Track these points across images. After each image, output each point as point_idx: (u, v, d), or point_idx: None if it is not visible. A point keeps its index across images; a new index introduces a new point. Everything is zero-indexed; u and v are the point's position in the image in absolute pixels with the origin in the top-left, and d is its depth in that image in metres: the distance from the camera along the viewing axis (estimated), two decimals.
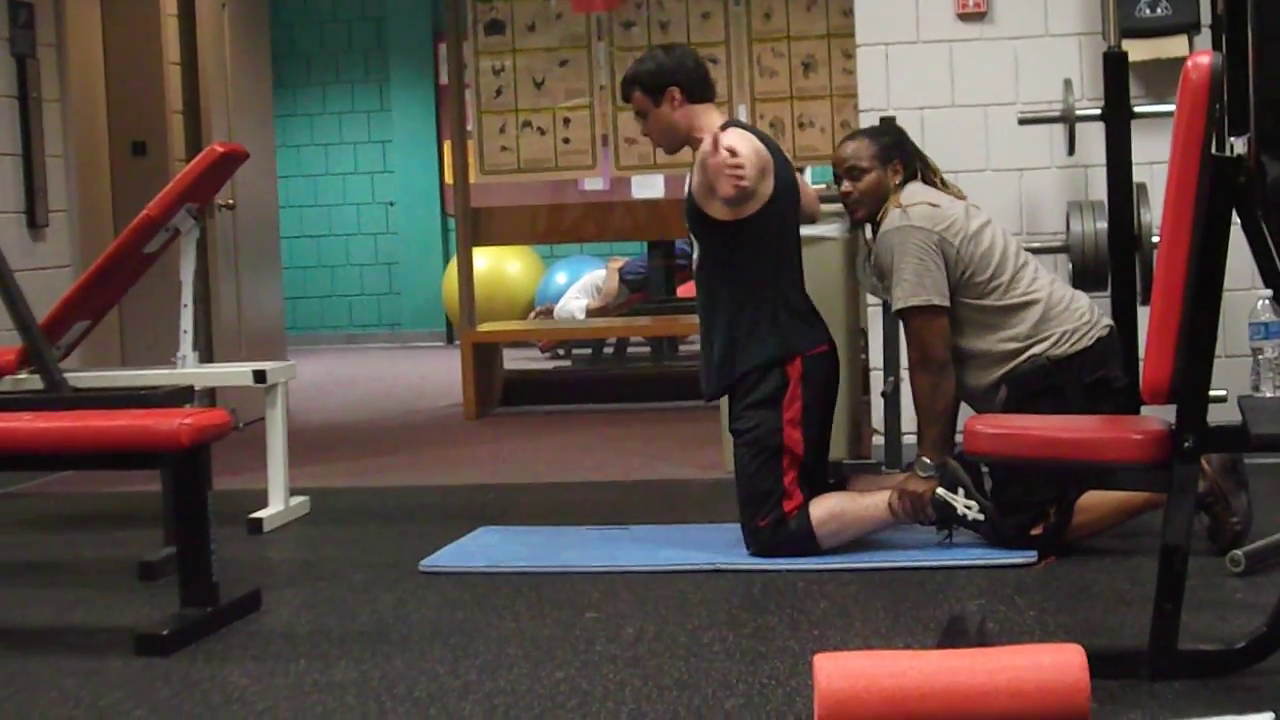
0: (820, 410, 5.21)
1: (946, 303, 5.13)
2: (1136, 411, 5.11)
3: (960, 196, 5.36)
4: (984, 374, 5.15)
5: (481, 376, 9.29)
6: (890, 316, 6.09)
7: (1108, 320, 5.24)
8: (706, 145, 4.92)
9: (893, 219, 5.20)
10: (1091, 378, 5.07)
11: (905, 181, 5.29)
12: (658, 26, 8.89)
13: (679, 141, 5.26)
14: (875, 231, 5.30)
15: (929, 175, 5.36)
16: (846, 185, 5.34)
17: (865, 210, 5.33)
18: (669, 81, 5.18)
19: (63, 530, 6.42)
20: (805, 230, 5.94)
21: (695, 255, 5.30)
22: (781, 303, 5.18)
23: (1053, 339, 5.09)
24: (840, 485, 5.33)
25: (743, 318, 5.18)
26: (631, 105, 5.28)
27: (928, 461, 5.09)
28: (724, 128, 5.17)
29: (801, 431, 5.13)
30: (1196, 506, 4.84)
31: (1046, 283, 5.20)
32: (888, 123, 5.71)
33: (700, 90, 5.22)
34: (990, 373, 5.14)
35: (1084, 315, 5.14)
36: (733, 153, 4.83)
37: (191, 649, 4.36)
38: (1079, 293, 5.33)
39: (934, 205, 5.20)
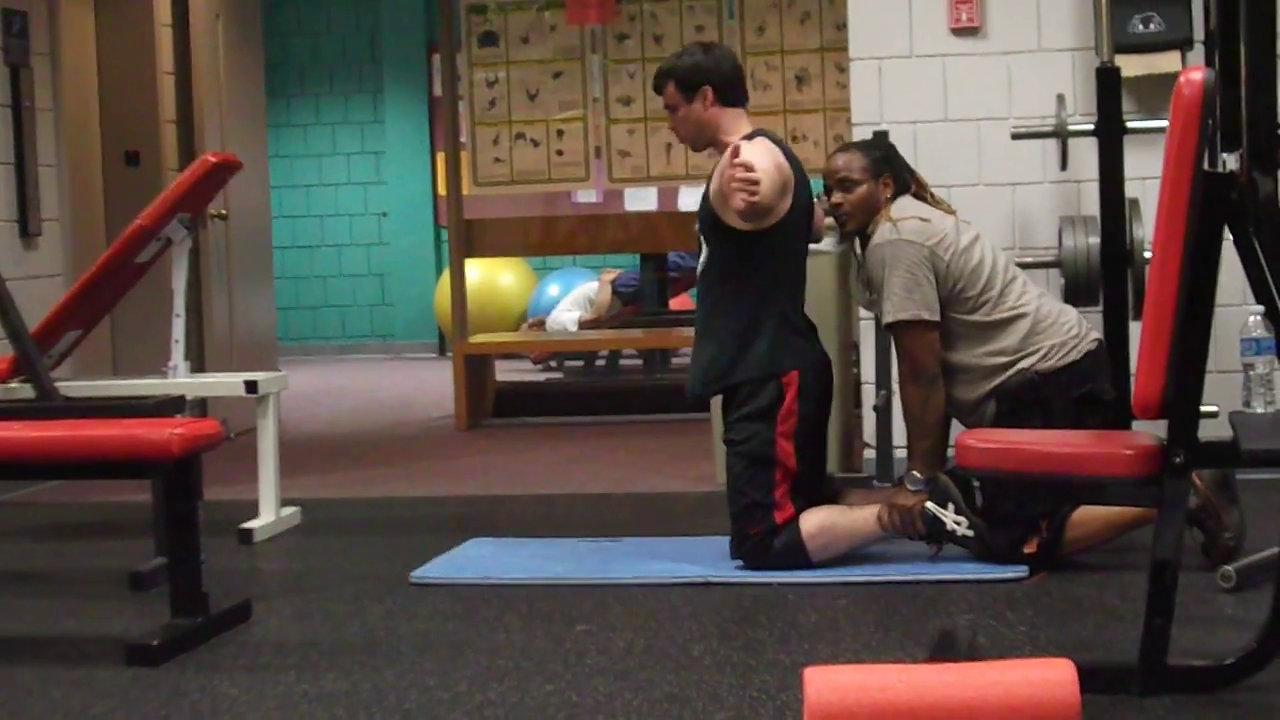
0: (815, 425, 5.20)
1: (936, 317, 5.13)
2: (1125, 425, 5.12)
3: (950, 212, 5.37)
4: (972, 388, 5.15)
5: (473, 388, 9.29)
6: (882, 331, 6.10)
7: (1096, 334, 5.24)
8: (727, 155, 4.90)
9: (883, 233, 5.20)
10: (1079, 391, 5.08)
11: (895, 196, 5.30)
12: (651, 39, 8.91)
13: (705, 141, 5.26)
14: (865, 245, 5.31)
15: (920, 190, 5.37)
16: (838, 197, 5.35)
17: (855, 223, 5.34)
18: (704, 80, 5.17)
19: (53, 540, 6.41)
20: None
21: (701, 258, 5.29)
22: (782, 317, 5.18)
23: (1041, 353, 5.09)
24: (833, 498, 5.33)
25: (742, 328, 5.17)
26: (662, 98, 5.27)
27: (918, 475, 5.09)
28: (751, 136, 5.17)
29: (795, 444, 5.12)
30: (1189, 522, 4.86)
31: (1035, 297, 5.21)
32: (879, 136, 5.72)
33: (733, 94, 5.21)
34: (978, 386, 5.14)
35: (1072, 329, 5.15)
36: (748, 168, 4.80)
37: (181, 659, 4.36)
38: (1067, 307, 5.34)
39: (924, 220, 5.21)
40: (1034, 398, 5.06)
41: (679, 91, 5.20)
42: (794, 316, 5.22)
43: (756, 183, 4.76)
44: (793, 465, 5.11)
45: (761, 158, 5.00)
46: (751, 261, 5.16)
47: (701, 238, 5.28)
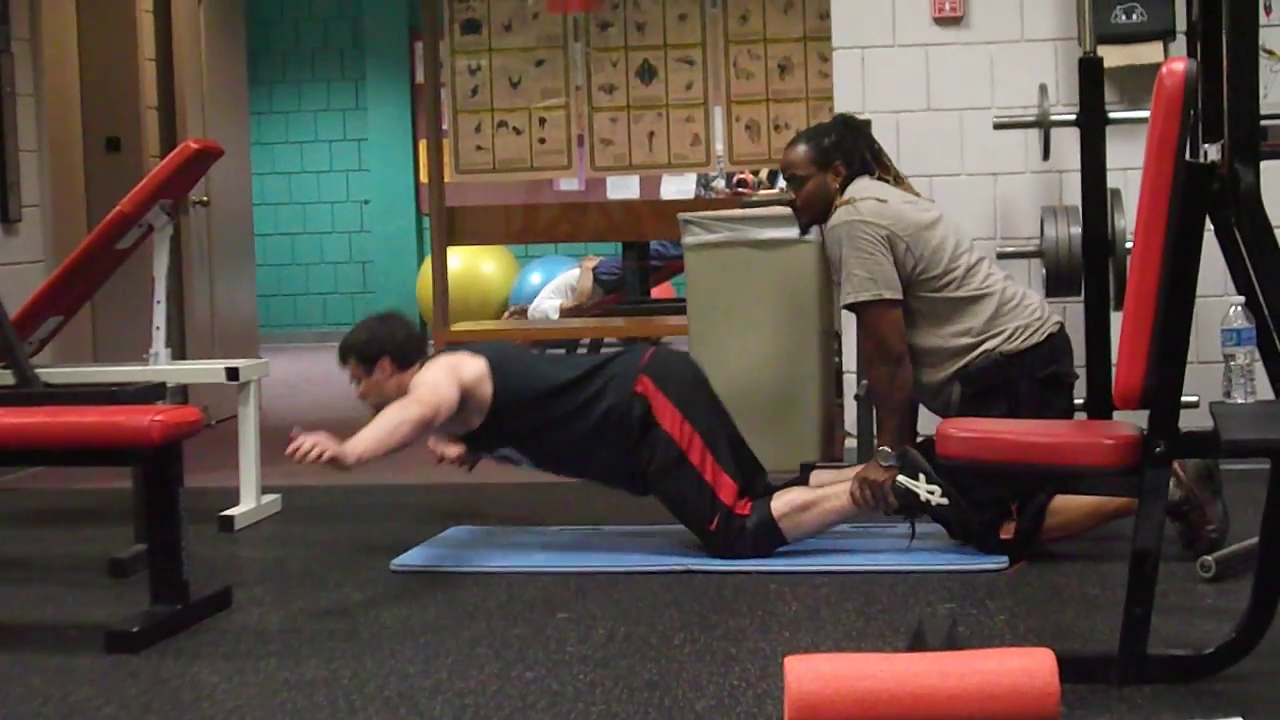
0: (693, 395, 5.23)
1: (898, 295, 5.14)
2: (1107, 415, 5.14)
3: (913, 192, 5.39)
4: (936, 370, 5.17)
5: None
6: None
7: (1058, 317, 5.27)
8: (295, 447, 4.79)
9: (841, 214, 5.22)
10: (1043, 373, 5.10)
11: (850, 179, 5.30)
12: (634, 27, 8.89)
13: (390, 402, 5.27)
14: None
15: (883, 173, 5.37)
16: (790, 192, 5.40)
17: (807, 216, 5.41)
18: (380, 352, 5.25)
19: (32, 526, 6.40)
20: (772, 234, 5.99)
21: (518, 462, 5.40)
22: (574, 389, 5.22)
23: (1005, 334, 5.11)
24: (803, 480, 5.34)
25: (577, 435, 5.23)
26: (348, 371, 5.35)
27: (888, 451, 5.09)
28: (422, 367, 5.24)
29: (691, 426, 5.15)
30: (1172, 515, 4.88)
31: (1000, 279, 5.23)
32: (836, 118, 5.65)
33: (409, 357, 5.26)
34: (943, 369, 5.15)
35: (1035, 312, 5.18)
36: (293, 452, 4.71)
37: (161, 646, 4.35)
38: (1030, 290, 5.36)
39: (881, 200, 5.22)
40: (998, 380, 5.08)
41: (360, 365, 5.27)
42: (581, 373, 5.27)
43: (309, 452, 4.70)
44: (702, 443, 5.14)
45: (427, 373, 5.16)
46: (521, 421, 5.24)
47: (495, 457, 5.42)
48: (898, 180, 5.39)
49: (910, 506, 5.05)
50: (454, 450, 5.57)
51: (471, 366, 5.20)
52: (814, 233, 6.34)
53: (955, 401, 5.11)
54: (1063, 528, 5.07)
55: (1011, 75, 6.58)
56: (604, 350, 5.04)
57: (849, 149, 5.35)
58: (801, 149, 5.37)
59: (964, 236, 5.30)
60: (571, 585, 4.91)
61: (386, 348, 5.26)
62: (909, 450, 5.07)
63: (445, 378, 5.13)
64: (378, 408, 5.22)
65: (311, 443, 4.68)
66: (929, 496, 5.02)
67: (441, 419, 5.08)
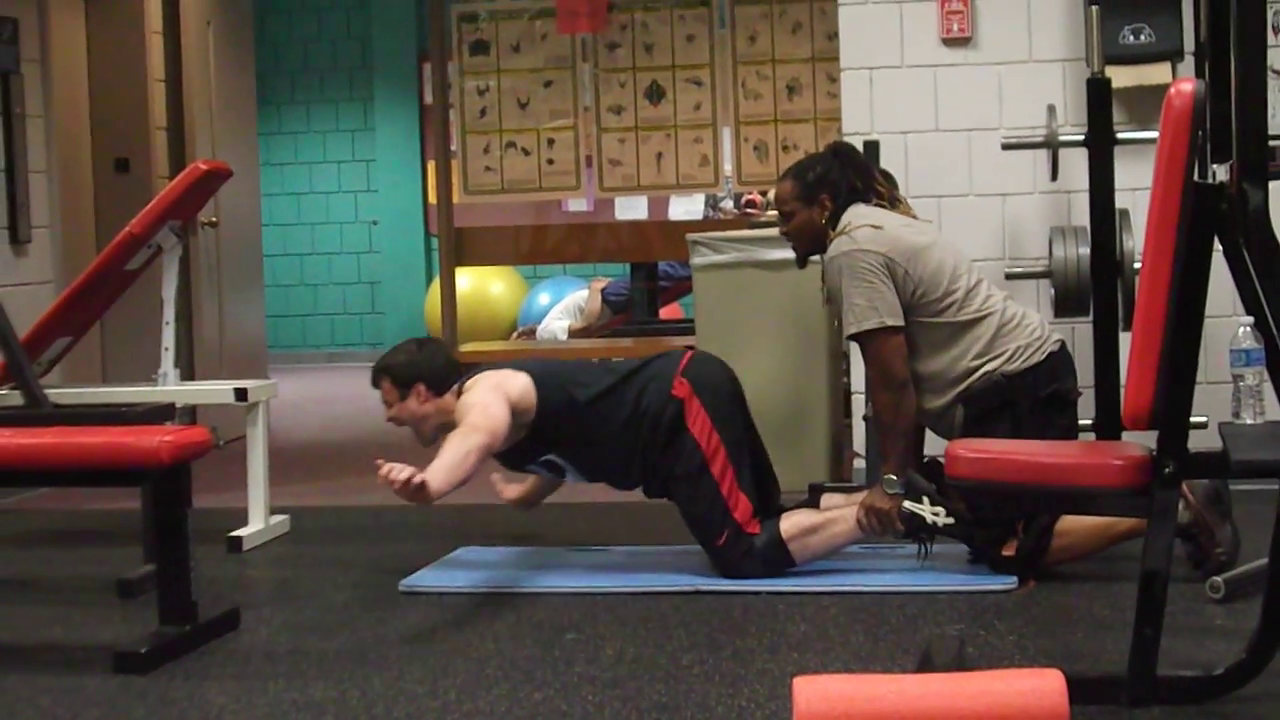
0: (727, 406, 5.22)
1: (900, 322, 5.14)
2: (1116, 435, 5.13)
3: (911, 215, 5.39)
4: (940, 395, 5.16)
5: None
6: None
7: (1058, 335, 5.26)
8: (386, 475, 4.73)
9: (838, 244, 5.22)
10: (1046, 391, 5.10)
11: (840, 209, 5.29)
12: (642, 48, 8.91)
13: (430, 430, 5.27)
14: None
15: (880, 199, 5.36)
16: (782, 226, 5.42)
17: (802, 248, 5.43)
18: (416, 377, 5.26)
19: (41, 547, 6.40)
20: (781, 255, 6.02)
21: (558, 464, 5.39)
22: (613, 406, 5.22)
23: (1006, 355, 5.11)
24: (813, 503, 5.33)
25: (609, 435, 5.23)
26: (381, 392, 5.35)
27: (893, 478, 5.08)
28: (466, 389, 5.21)
29: (720, 436, 5.14)
30: (1181, 537, 4.86)
31: (1000, 299, 5.23)
32: (829, 148, 5.62)
33: (445, 384, 5.27)
34: (946, 394, 5.15)
35: (1035, 331, 5.17)
36: (385, 479, 4.67)
37: (170, 667, 4.35)
38: (1029, 309, 5.36)
39: (877, 227, 5.21)
40: (1001, 401, 5.08)
41: (395, 388, 5.28)
42: (620, 377, 5.26)
43: (396, 482, 4.66)
44: (725, 457, 5.13)
45: (474, 395, 5.12)
46: (563, 430, 5.24)
47: (540, 470, 5.44)
48: (894, 203, 5.39)
49: (918, 530, 5.04)
50: (514, 491, 5.56)
51: (517, 382, 5.19)
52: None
53: (960, 424, 5.11)
54: (1070, 549, 5.06)
55: (1020, 96, 6.59)
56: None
57: (835, 180, 5.34)
58: (787, 184, 5.40)
59: (962, 258, 5.30)
60: (579, 606, 4.91)
61: (424, 373, 5.26)
62: (913, 475, 5.06)
63: (494, 398, 5.10)
64: (418, 436, 5.29)
65: (402, 467, 4.64)
66: (934, 518, 5.02)
67: (499, 442, 5.06)
